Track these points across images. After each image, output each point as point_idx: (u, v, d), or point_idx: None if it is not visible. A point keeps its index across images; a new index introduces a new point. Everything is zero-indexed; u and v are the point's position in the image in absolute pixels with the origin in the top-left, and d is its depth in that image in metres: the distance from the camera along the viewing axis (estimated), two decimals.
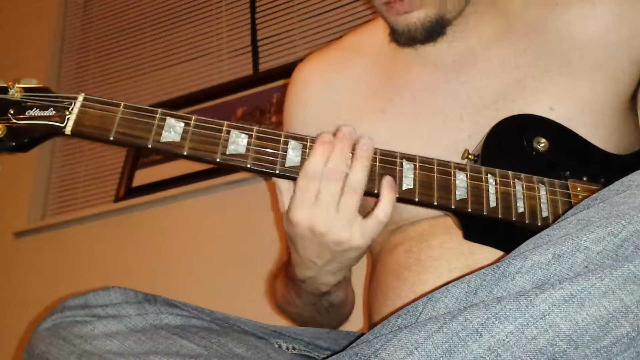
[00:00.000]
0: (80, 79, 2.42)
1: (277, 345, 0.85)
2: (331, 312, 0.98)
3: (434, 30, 0.93)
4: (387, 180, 0.78)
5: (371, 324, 0.98)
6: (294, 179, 0.79)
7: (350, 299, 1.03)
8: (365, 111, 1.00)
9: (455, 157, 0.86)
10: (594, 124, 0.91)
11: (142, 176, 2.11)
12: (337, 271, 0.85)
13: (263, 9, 2.18)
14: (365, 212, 0.79)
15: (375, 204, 0.78)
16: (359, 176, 0.77)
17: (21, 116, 0.79)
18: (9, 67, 2.39)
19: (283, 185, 0.81)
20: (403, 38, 0.95)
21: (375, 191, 0.79)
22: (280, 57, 2.08)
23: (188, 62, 2.24)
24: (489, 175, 0.83)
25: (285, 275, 0.97)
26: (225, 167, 0.80)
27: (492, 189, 0.83)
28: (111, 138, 0.78)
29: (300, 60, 1.16)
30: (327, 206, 0.76)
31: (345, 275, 0.91)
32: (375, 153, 0.81)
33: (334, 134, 0.80)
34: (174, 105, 2.03)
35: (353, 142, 0.78)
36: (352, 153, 0.78)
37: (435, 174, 0.81)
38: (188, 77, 2.22)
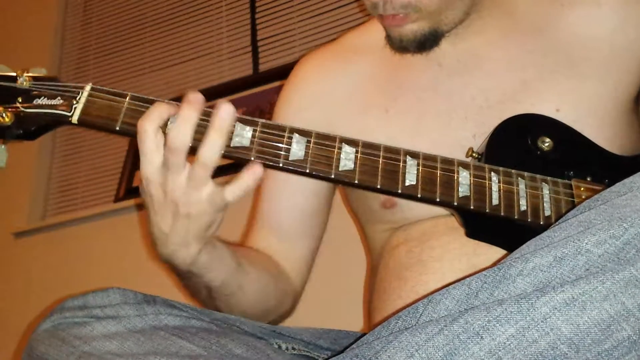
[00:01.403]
0: (80, 79, 2.41)
1: (276, 346, 0.84)
2: (219, 298, 0.90)
3: (427, 42, 0.93)
4: (254, 168, 0.76)
5: (372, 324, 0.98)
6: (298, 173, 0.79)
7: (249, 291, 0.92)
8: (369, 110, 1.00)
9: (460, 157, 0.86)
10: (599, 125, 0.91)
11: None
12: (189, 242, 0.79)
13: (263, 9, 2.18)
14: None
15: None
16: (211, 151, 0.74)
17: (29, 104, 0.80)
18: (9, 67, 2.39)
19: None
20: (395, 47, 0.96)
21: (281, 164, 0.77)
22: (280, 58, 2.08)
23: (188, 62, 2.25)
24: (492, 173, 0.83)
25: None
26: (229, 159, 0.80)
27: (495, 187, 0.82)
28: (117, 128, 0.78)
29: None
30: (174, 169, 0.74)
31: (213, 256, 0.83)
32: (379, 149, 0.81)
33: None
34: None
35: (201, 106, 0.75)
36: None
37: (438, 171, 0.81)
38: (188, 77, 2.22)
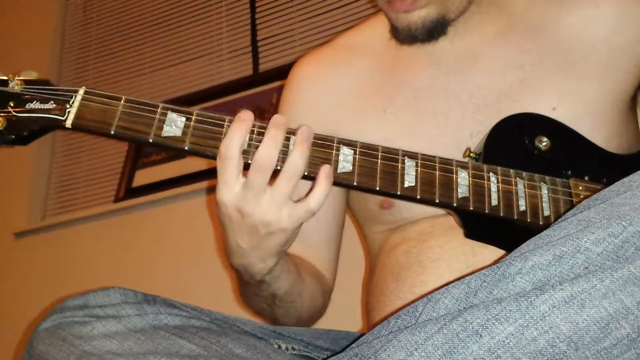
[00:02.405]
0: (80, 80, 2.41)
1: (276, 346, 0.84)
2: (281, 306, 0.92)
3: (435, 30, 0.93)
4: (324, 170, 0.76)
5: (370, 325, 0.98)
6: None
7: (305, 297, 0.95)
8: (366, 110, 1.00)
9: (458, 156, 0.86)
10: (596, 124, 0.91)
11: (142, 176, 2.11)
12: (267, 257, 0.81)
13: (263, 9, 2.18)
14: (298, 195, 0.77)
15: (310, 189, 0.76)
16: (297, 164, 0.75)
17: (21, 109, 0.79)
18: (9, 67, 2.38)
19: None
20: (403, 36, 0.95)
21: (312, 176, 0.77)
22: (280, 58, 2.08)
23: (188, 62, 2.24)
24: (491, 174, 0.83)
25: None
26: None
27: (493, 187, 0.82)
28: (112, 132, 0.77)
29: None
30: (257, 189, 0.74)
31: (283, 267, 0.86)
32: (377, 150, 0.81)
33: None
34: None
35: (285, 127, 0.77)
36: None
37: (437, 172, 0.81)
38: (188, 78, 2.22)
